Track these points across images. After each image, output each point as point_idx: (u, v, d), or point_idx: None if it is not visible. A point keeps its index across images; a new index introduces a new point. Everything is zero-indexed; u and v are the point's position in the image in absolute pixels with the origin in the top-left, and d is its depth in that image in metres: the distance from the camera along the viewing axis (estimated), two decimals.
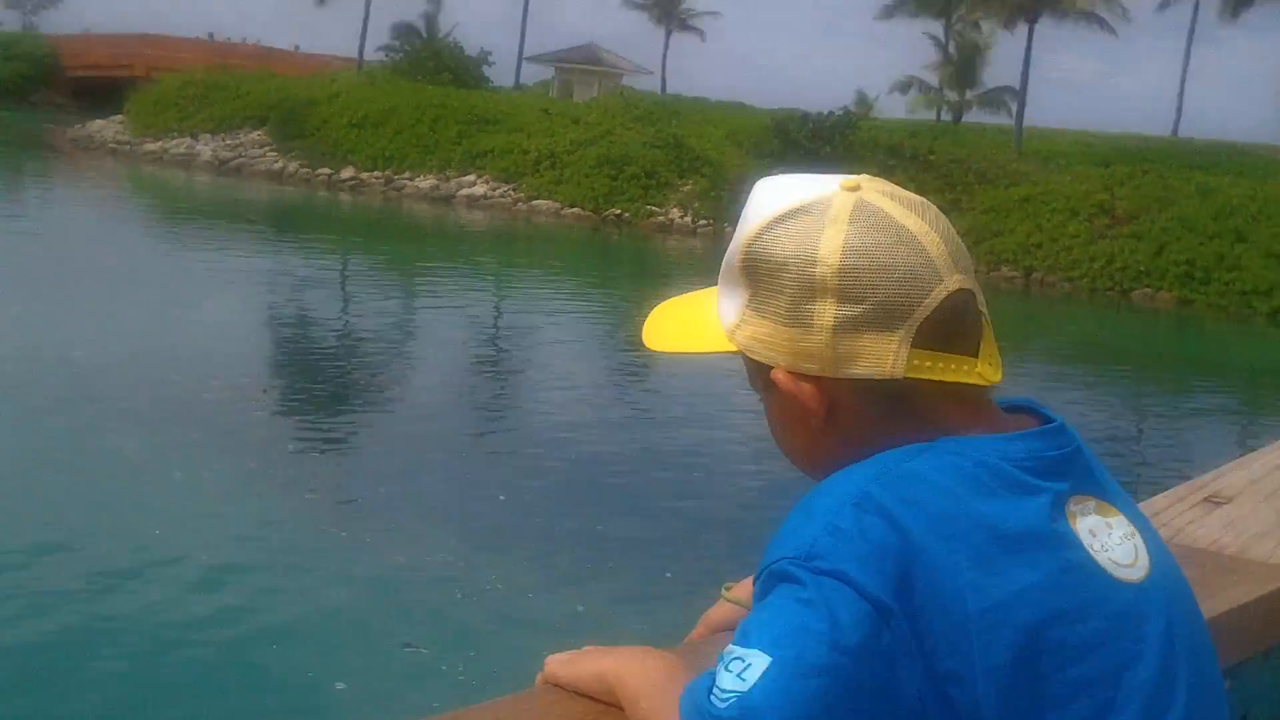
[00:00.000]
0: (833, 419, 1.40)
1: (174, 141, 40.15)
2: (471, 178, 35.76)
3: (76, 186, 32.71)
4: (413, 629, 7.40)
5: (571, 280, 24.07)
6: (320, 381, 14.34)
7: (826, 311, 1.35)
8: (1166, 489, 2.90)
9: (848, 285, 1.34)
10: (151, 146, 40.08)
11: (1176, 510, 2.74)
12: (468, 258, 25.65)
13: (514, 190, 34.78)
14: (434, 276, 23.33)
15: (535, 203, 33.72)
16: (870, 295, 1.34)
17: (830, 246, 1.35)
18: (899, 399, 1.37)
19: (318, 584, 8.00)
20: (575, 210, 32.97)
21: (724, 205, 30.49)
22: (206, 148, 39.45)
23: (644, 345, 1.57)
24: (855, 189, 1.39)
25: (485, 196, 34.69)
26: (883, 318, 1.34)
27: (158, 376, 13.03)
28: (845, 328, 1.35)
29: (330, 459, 11.03)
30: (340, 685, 6.59)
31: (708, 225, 30.88)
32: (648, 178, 33.63)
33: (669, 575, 8.67)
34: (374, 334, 17.40)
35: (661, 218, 32.22)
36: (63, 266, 20.19)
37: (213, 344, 15.11)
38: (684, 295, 1.64)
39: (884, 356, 1.34)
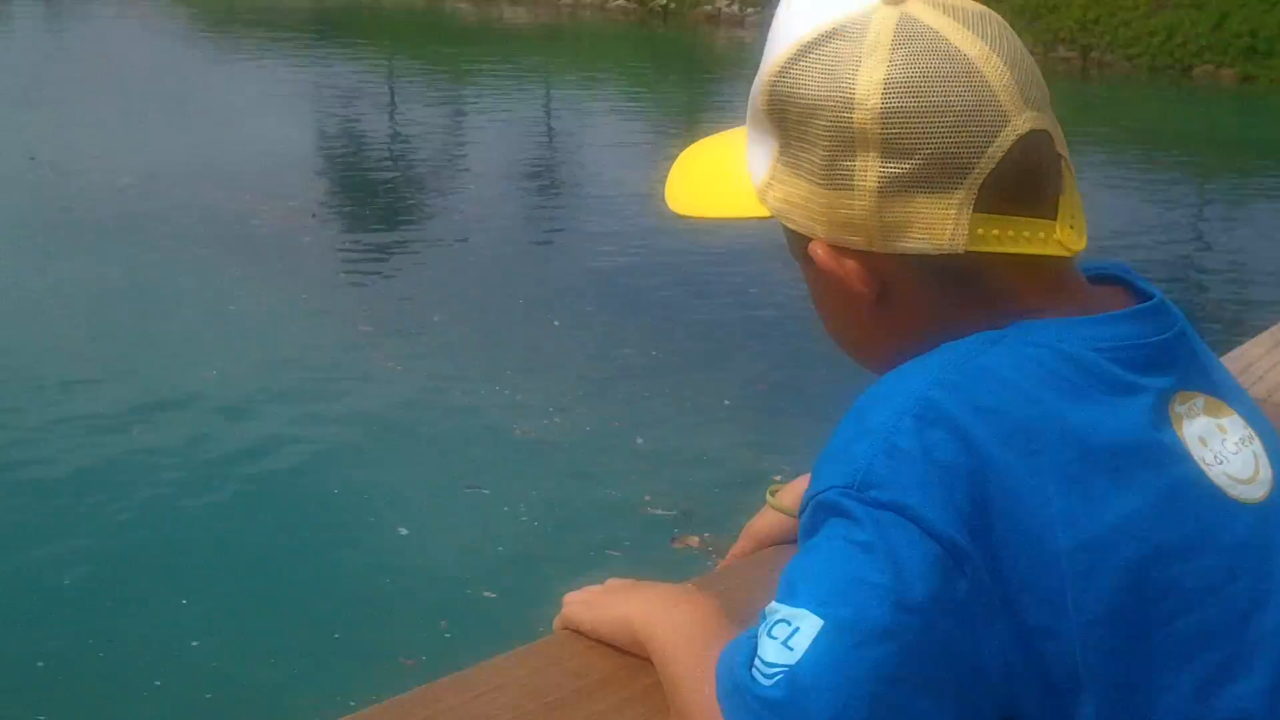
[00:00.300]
0: (884, 302, 1.18)
1: None
2: None
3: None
4: (472, 468, 7.42)
5: (617, 82, 23.61)
6: (369, 202, 14.24)
7: (869, 169, 1.11)
8: (1247, 325, 2.59)
9: (893, 134, 1.10)
10: None
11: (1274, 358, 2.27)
12: (512, 59, 25.19)
13: None
14: (480, 82, 22.95)
15: None
16: (921, 146, 1.10)
17: (869, 83, 1.10)
18: (962, 276, 1.14)
19: (375, 425, 8.03)
20: (620, 3, 32.22)
21: None
22: None
23: (668, 208, 1.34)
24: (898, 2, 1.13)
25: None
26: (936, 174, 1.10)
27: (206, 201, 12.98)
28: (892, 189, 1.11)
29: (382, 289, 10.99)
30: (403, 530, 6.65)
31: (755, 14, 30.12)
32: None
33: (727, 403, 8.64)
34: (422, 148, 17.21)
35: (708, 7, 31.45)
36: (107, 82, 20.01)
37: (260, 163, 15.00)
38: (713, 137, 1.39)
39: (940, 225, 1.11)
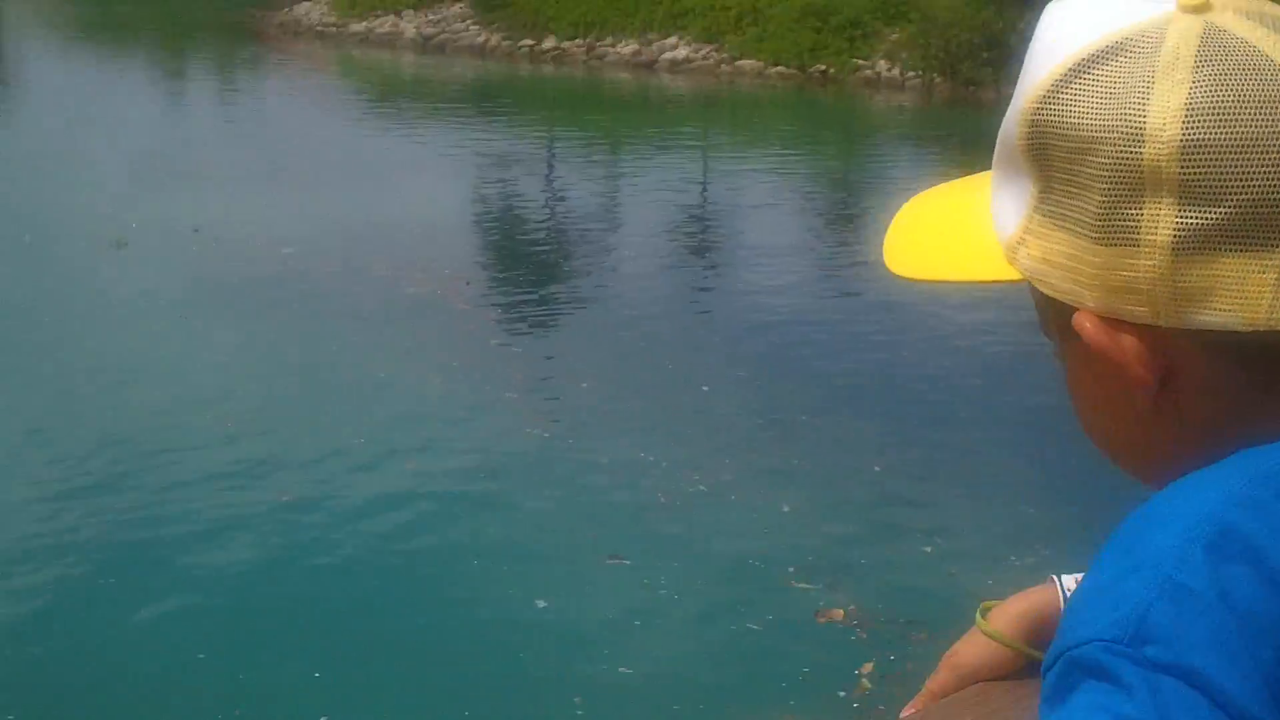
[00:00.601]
0: (1169, 391, 0.94)
1: (378, 20, 40.41)
2: (673, 39, 35.16)
3: (285, 73, 33.24)
4: (614, 538, 7.27)
5: (777, 149, 23.50)
6: (522, 271, 14.27)
7: (1161, 219, 0.88)
8: None
9: (1194, 174, 0.87)
10: (357, 27, 40.40)
11: None
12: (672, 128, 25.27)
13: (716, 50, 34.11)
14: (638, 151, 23.04)
15: (739, 63, 33.02)
16: (1231, 190, 0.86)
17: (1165, 110, 0.88)
18: (1276, 361, 0.91)
19: (518, 490, 7.94)
20: (779, 69, 32.15)
21: (933, 54, 29.41)
22: (410, 25, 39.60)
23: (886, 268, 1.07)
24: (1201, 8, 0.90)
25: (688, 60, 34.10)
26: (1251, 227, 0.87)
27: (363, 269, 13.13)
28: (1190, 245, 0.88)
29: (531, 354, 10.96)
30: (542, 603, 6.50)
31: (916, 78, 29.83)
32: (853, 27, 32.55)
33: (877, 469, 8.37)
34: (577, 217, 17.25)
35: (869, 71, 31.23)
36: (275, 157, 20.51)
37: (418, 232, 15.17)
38: (944, 185, 1.13)
39: (1254, 293, 0.88)
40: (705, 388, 9.95)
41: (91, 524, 7.33)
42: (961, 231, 1.04)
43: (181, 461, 8.14)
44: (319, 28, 41.40)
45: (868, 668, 5.84)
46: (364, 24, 40.53)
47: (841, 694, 5.63)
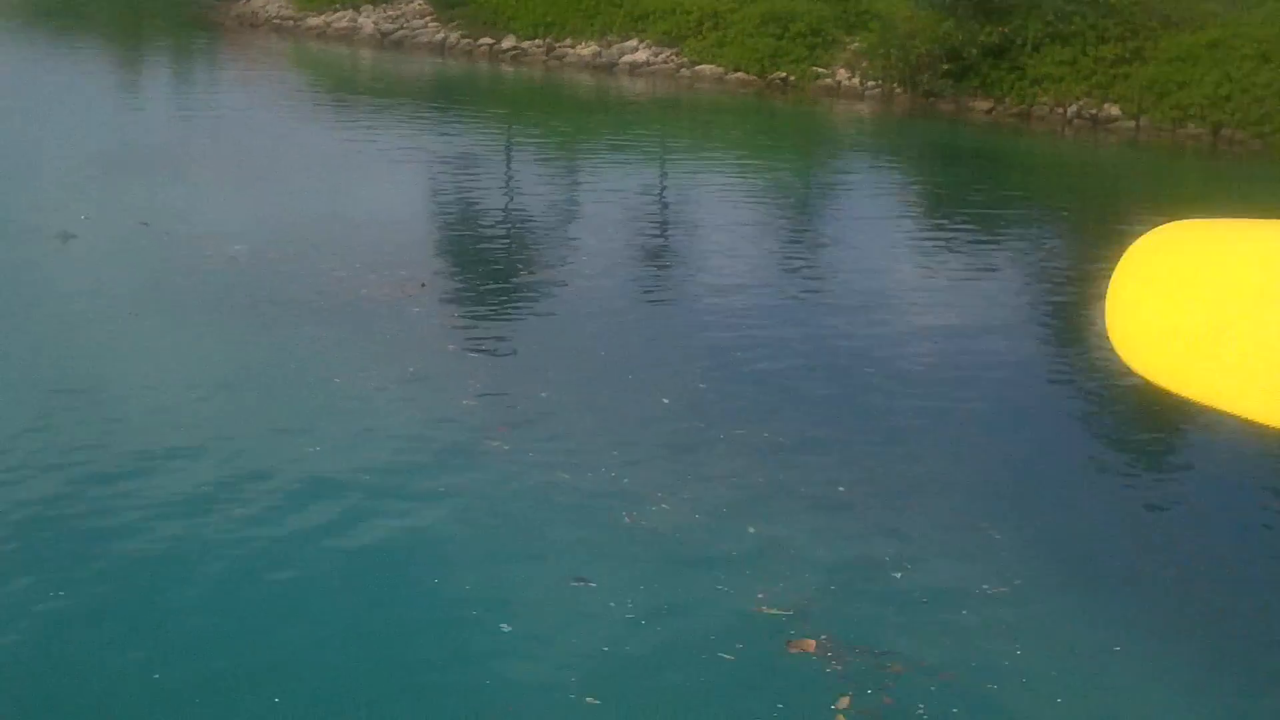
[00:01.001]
0: None
1: (336, 15, 39.95)
2: (633, 43, 34.93)
3: (241, 65, 32.77)
4: (578, 558, 7.03)
5: (738, 155, 23.30)
6: (481, 273, 13.99)
7: None
8: None
9: None
10: (314, 21, 39.92)
11: None
12: (631, 131, 25.02)
13: (676, 55, 33.91)
14: (597, 153, 22.80)
15: (698, 68, 32.83)
16: None
17: None
18: None
19: (478, 505, 7.69)
20: (739, 75, 31.98)
21: (893, 64, 29.32)
22: (369, 20, 39.17)
23: (1121, 358, 0.70)
24: None
25: (647, 63, 33.88)
26: None
27: (318, 270, 12.83)
28: None
29: (490, 360, 10.69)
30: (506, 626, 6.25)
31: (876, 88, 29.72)
32: (814, 35, 32.42)
33: (841, 490, 8.17)
34: (536, 219, 16.98)
35: (828, 80, 31.11)
36: (228, 151, 20.12)
37: (374, 233, 14.87)
38: (1207, 227, 0.79)
39: None
40: (665, 400, 9.72)
41: (19, 513, 7.04)
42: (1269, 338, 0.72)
43: (128, 476, 7.83)
44: (276, 20, 40.88)
45: (844, 702, 5.63)
46: (321, 18, 40.05)
47: None
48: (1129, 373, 0.82)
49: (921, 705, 5.62)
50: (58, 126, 21.05)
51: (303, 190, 17.15)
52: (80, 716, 5.41)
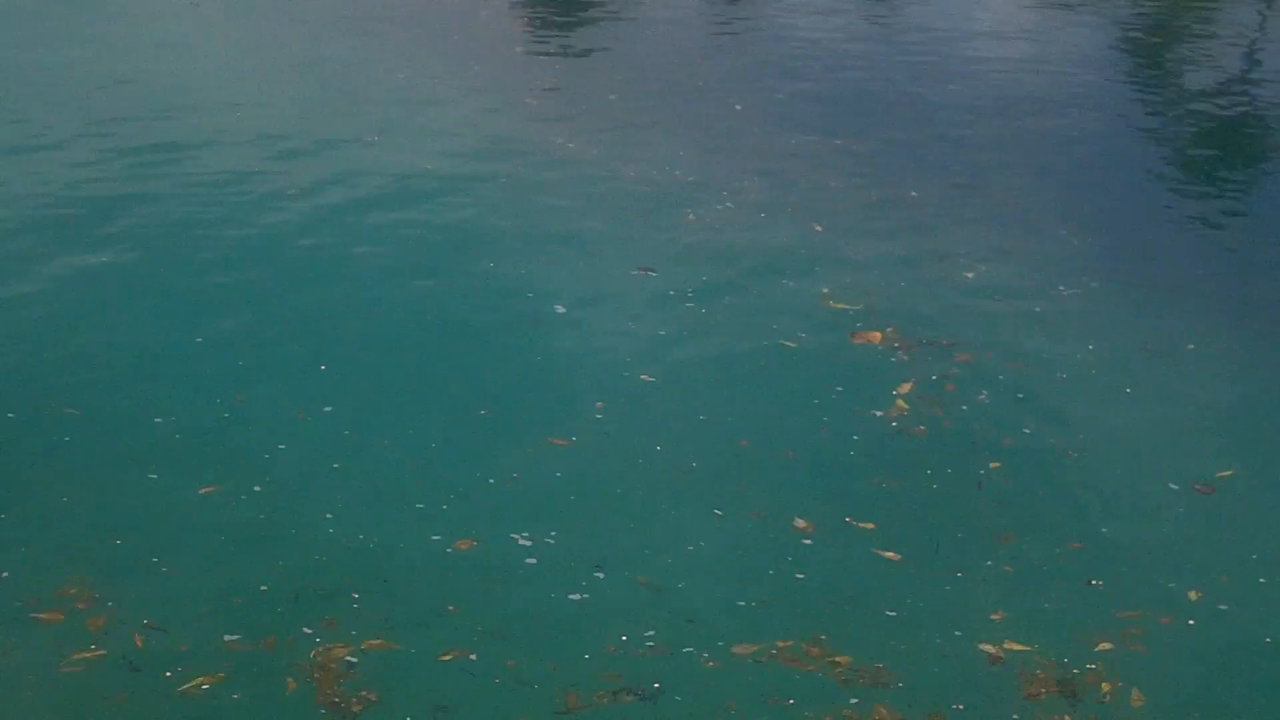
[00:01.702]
0: None
1: None
2: None
3: None
4: (640, 251, 6.84)
5: None
6: None
7: None
8: None
9: None
10: None
11: None
12: None
13: None
14: None
15: None
16: None
17: None
18: None
19: (539, 198, 7.50)
20: None
21: None
22: None
23: None
24: None
25: None
26: None
27: None
28: None
29: (558, 63, 10.37)
30: (560, 308, 6.12)
31: None
32: None
33: (914, 194, 7.90)
34: None
35: None
36: None
37: None
38: None
39: None
40: (738, 106, 9.41)
41: (100, 179, 6.98)
42: None
43: (189, 134, 7.81)
44: None
45: (905, 388, 5.48)
46: None
47: (878, 414, 5.27)
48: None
49: (985, 392, 5.46)
50: None
51: None
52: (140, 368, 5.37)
